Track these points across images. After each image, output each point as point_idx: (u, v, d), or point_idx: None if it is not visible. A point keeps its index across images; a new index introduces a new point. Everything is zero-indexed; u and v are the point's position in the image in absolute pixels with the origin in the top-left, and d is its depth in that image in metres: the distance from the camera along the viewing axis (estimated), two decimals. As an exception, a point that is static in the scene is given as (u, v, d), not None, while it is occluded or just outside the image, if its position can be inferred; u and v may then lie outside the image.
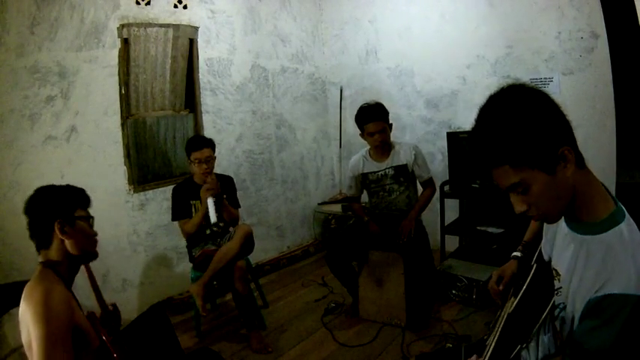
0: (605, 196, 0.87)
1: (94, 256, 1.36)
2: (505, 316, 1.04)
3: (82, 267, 1.38)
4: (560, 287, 0.94)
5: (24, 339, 1.13)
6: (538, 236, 1.20)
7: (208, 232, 2.57)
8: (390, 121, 2.60)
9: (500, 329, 1.01)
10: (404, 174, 2.61)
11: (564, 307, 0.92)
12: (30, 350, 1.10)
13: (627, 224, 0.83)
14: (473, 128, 0.85)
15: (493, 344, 0.99)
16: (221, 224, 2.46)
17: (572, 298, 0.89)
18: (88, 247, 1.33)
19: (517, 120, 0.79)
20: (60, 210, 1.27)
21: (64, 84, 2.50)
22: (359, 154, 2.74)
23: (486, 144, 0.82)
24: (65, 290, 1.19)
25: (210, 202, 2.34)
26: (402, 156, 2.60)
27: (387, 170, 2.62)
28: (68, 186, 1.34)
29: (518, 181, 0.81)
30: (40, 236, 1.25)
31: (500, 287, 1.20)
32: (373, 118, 2.49)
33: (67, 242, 1.26)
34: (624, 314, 0.76)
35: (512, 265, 1.24)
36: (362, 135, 2.59)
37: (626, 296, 0.77)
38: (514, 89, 0.83)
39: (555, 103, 0.82)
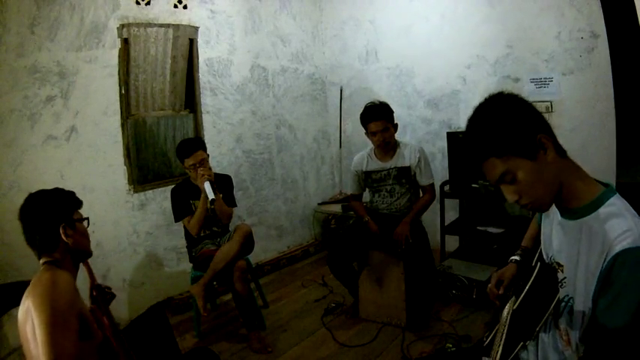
0: (590, 180, 0.92)
1: (90, 254, 1.42)
2: (509, 316, 1.04)
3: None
4: (565, 278, 0.94)
5: (28, 333, 1.12)
6: (536, 243, 1.22)
7: (208, 232, 2.58)
8: (396, 121, 2.58)
9: (506, 330, 1.01)
10: (406, 176, 2.59)
11: (570, 299, 0.92)
12: (34, 342, 1.09)
13: (618, 198, 0.87)
14: (463, 134, 0.95)
15: (501, 345, 0.98)
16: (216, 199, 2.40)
17: (580, 283, 0.89)
18: (87, 246, 1.38)
19: (497, 116, 0.91)
20: (62, 214, 1.30)
21: (64, 84, 2.49)
22: (364, 151, 2.73)
23: (474, 142, 0.92)
24: (71, 277, 1.23)
25: (207, 184, 2.33)
26: (405, 157, 2.59)
27: (390, 170, 2.61)
28: (58, 189, 1.36)
29: (505, 170, 0.88)
30: (45, 241, 1.27)
31: (500, 291, 1.19)
32: (375, 118, 2.48)
33: (70, 244, 1.29)
34: None
35: (512, 268, 1.24)
36: (366, 134, 2.58)
37: (637, 248, 0.77)
38: (492, 96, 0.95)
39: (528, 102, 0.93)
